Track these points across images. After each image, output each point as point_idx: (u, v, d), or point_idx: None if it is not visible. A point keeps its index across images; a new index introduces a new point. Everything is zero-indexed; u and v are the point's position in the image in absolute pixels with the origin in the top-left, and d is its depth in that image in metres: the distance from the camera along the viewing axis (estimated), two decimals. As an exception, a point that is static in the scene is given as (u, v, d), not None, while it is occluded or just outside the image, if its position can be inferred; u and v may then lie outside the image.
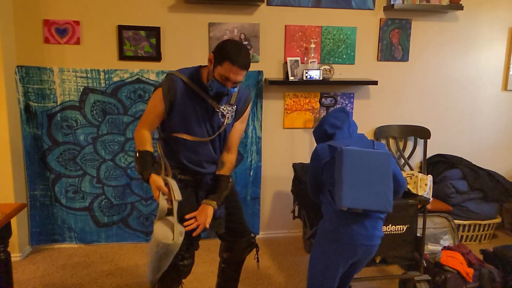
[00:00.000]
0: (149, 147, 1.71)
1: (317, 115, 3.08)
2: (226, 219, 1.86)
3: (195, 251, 1.85)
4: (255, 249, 1.99)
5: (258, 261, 2.02)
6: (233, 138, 1.82)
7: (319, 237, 1.76)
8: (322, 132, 1.85)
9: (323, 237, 1.74)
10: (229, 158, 1.83)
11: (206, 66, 1.72)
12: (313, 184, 1.85)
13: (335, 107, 2.97)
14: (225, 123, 1.75)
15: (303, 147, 3.09)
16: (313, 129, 1.98)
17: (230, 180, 1.83)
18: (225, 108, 1.74)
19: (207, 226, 1.72)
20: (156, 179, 1.65)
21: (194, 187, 1.81)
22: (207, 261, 2.71)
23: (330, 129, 1.82)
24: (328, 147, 1.74)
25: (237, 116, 1.81)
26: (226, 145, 1.83)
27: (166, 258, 1.67)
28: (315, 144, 1.89)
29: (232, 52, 1.59)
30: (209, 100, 1.72)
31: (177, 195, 1.66)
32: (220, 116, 1.75)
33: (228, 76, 1.61)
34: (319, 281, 1.75)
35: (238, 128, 1.83)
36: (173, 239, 1.62)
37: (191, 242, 1.78)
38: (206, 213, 1.72)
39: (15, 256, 2.54)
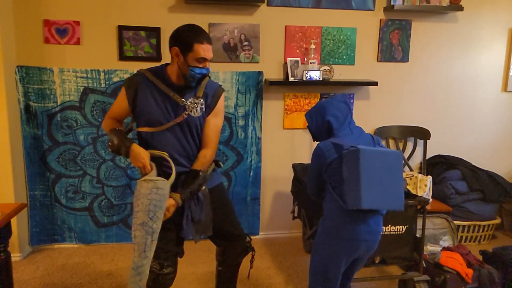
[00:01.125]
0: (119, 127, 1.74)
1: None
2: (216, 222, 1.83)
3: (180, 258, 1.82)
4: (251, 252, 1.97)
5: (251, 266, 2.01)
6: (207, 133, 1.77)
7: (320, 235, 1.75)
8: (324, 123, 1.77)
9: (325, 234, 1.72)
10: (203, 153, 1.76)
11: (170, 64, 1.74)
12: (315, 182, 1.80)
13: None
14: (185, 114, 1.70)
15: (303, 148, 3.09)
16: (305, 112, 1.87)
17: (200, 174, 1.70)
18: (191, 101, 1.72)
19: (168, 215, 1.64)
20: (141, 151, 1.64)
21: (173, 190, 1.70)
22: (207, 261, 2.71)
23: (334, 122, 1.75)
24: (333, 145, 1.70)
25: (208, 110, 1.76)
26: (202, 141, 1.78)
27: (161, 207, 1.57)
28: (315, 144, 1.87)
29: (193, 34, 1.64)
30: (172, 95, 1.71)
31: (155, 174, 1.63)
32: (185, 110, 1.71)
33: (204, 56, 1.64)
34: (322, 279, 1.73)
35: (212, 122, 1.77)
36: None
37: (170, 249, 1.76)
38: (173, 203, 1.64)
39: (15, 256, 2.55)
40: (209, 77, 1.82)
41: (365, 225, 1.67)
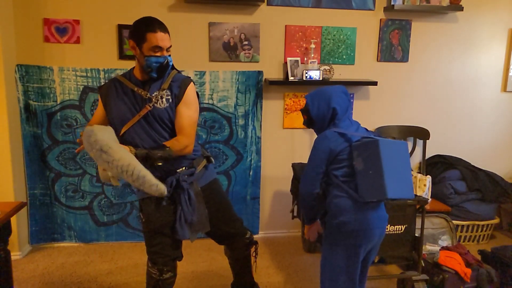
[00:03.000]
0: None
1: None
2: (212, 222, 1.83)
3: (179, 261, 1.82)
4: (254, 245, 1.99)
5: (256, 257, 2.01)
6: (179, 123, 1.72)
7: (332, 233, 1.68)
8: (329, 110, 1.70)
9: (337, 231, 1.66)
10: (177, 137, 1.73)
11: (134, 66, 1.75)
12: (316, 171, 1.67)
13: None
14: (148, 106, 1.68)
15: (303, 147, 3.09)
16: (307, 94, 1.79)
17: (167, 148, 1.65)
18: (156, 94, 1.70)
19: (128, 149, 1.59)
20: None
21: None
22: (207, 260, 2.72)
23: (339, 111, 1.69)
24: (339, 135, 1.65)
25: (176, 100, 1.73)
26: (176, 131, 1.74)
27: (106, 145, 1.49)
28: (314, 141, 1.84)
29: (146, 25, 1.65)
30: (136, 89, 1.71)
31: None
32: (150, 101, 1.69)
33: (158, 44, 1.63)
34: (344, 277, 1.67)
35: (183, 112, 1.72)
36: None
37: (168, 253, 1.76)
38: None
39: (14, 255, 2.55)
40: (178, 71, 1.80)
41: (376, 213, 1.67)
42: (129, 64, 2.81)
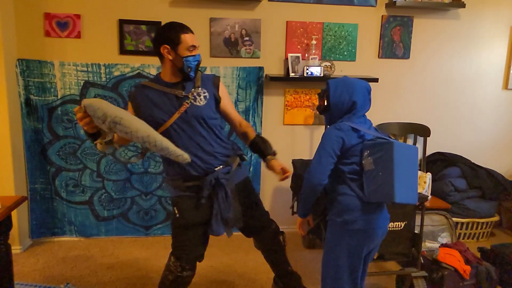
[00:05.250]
0: None
1: (318, 112, 3.07)
2: (246, 216, 1.89)
3: (199, 262, 1.86)
4: (281, 235, 2.05)
5: (284, 245, 2.08)
6: (234, 113, 1.90)
7: (337, 231, 1.66)
8: (349, 102, 1.65)
9: (342, 229, 1.64)
10: (243, 124, 1.90)
11: (161, 69, 1.80)
12: (328, 161, 1.61)
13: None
14: (186, 103, 1.72)
15: (303, 144, 3.09)
16: (330, 80, 1.74)
17: (262, 136, 1.92)
18: (192, 92, 1.75)
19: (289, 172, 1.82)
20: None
21: (197, 191, 1.77)
22: (207, 255, 2.69)
23: (358, 106, 1.64)
24: (353, 129, 1.61)
25: (217, 97, 1.82)
26: (233, 122, 1.90)
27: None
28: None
29: (177, 28, 1.72)
30: (169, 91, 1.74)
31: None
32: (190, 101, 1.74)
33: (193, 44, 1.71)
34: (347, 275, 1.66)
35: (229, 104, 1.88)
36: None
37: (194, 251, 1.81)
38: (280, 163, 1.83)
39: (15, 249, 2.56)
40: (201, 72, 1.85)
41: (380, 212, 1.66)
42: (129, 59, 2.81)
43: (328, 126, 1.72)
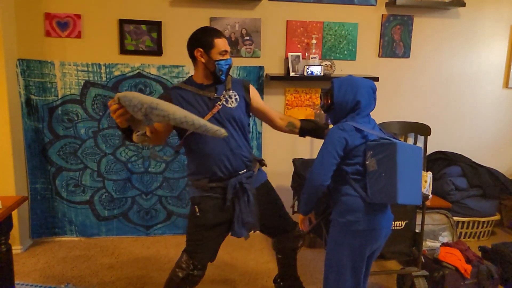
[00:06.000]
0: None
1: (318, 111, 3.08)
2: (266, 218, 1.92)
3: (211, 262, 1.89)
4: (301, 239, 2.07)
5: (301, 246, 2.10)
6: (269, 111, 1.99)
7: (340, 231, 1.65)
8: (353, 101, 1.63)
9: (345, 229, 1.63)
10: (283, 116, 2.01)
11: (194, 72, 1.85)
12: (331, 161, 1.59)
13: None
14: (218, 105, 1.78)
15: (304, 143, 3.09)
16: (335, 78, 1.71)
17: (309, 120, 2.02)
18: (224, 94, 1.82)
19: None
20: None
21: (220, 193, 1.81)
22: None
23: (362, 105, 1.62)
24: (357, 130, 1.59)
25: (247, 100, 1.89)
26: (273, 118, 1.99)
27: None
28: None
29: (211, 32, 1.78)
30: (202, 92, 1.79)
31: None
32: (222, 103, 1.80)
33: (225, 48, 1.77)
34: (350, 275, 1.65)
35: (260, 102, 1.97)
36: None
37: (209, 252, 1.84)
38: None
39: (16, 249, 2.57)
40: (231, 76, 1.92)
41: (384, 213, 1.65)
42: (130, 59, 2.81)
43: (332, 126, 1.72)
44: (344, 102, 1.66)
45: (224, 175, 1.79)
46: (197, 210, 1.82)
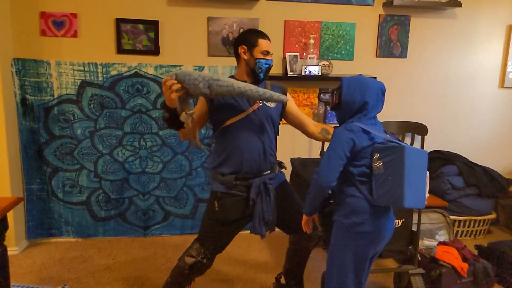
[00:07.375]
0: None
1: (316, 110, 3.08)
2: (285, 215, 1.94)
3: (220, 253, 1.92)
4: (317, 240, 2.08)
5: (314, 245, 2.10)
6: (304, 117, 2.05)
7: (343, 233, 1.65)
8: (360, 102, 1.61)
9: (349, 232, 1.62)
10: (317, 124, 2.07)
11: (237, 70, 1.93)
12: (338, 162, 1.57)
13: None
14: (259, 102, 1.85)
15: (302, 143, 3.09)
16: (344, 77, 1.68)
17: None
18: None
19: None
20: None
21: (245, 191, 1.85)
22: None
23: (370, 106, 1.60)
24: (364, 132, 1.57)
25: (284, 104, 1.95)
26: (306, 124, 2.04)
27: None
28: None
29: (256, 33, 1.88)
30: None
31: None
32: (263, 101, 1.86)
33: (267, 49, 1.85)
34: (353, 276, 1.65)
35: (295, 108, 2.04)
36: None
37: (221, 245, 1.88)
38: None
39: (11, 250, 2.54)
40: (270, 81, 1.98)
41: (387, 215, 1.65)
42: (127, 58, 2.80)
43: (338, 126, 1.70)
44: (351, 101, 1.63)
45: (251, 172, 1.84)
46: (216, 205, 1.85)
